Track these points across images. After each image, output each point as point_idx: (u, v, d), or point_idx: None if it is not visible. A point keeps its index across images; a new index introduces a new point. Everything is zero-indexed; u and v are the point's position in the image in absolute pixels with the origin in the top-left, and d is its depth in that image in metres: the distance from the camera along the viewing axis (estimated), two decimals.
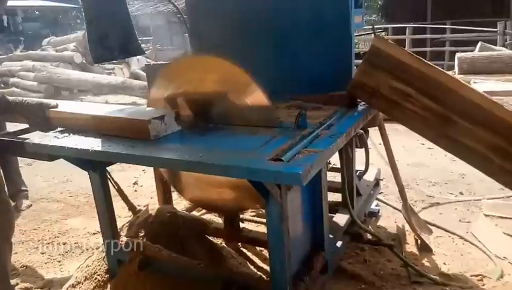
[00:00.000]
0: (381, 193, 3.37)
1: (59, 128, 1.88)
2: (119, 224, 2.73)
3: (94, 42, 1.96)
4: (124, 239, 2.02)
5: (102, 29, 1.96)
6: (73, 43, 11.32)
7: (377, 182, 2.94)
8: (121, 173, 3.98)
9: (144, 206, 3.48)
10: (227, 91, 1.70)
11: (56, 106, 1.91)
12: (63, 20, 25.82)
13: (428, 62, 1.73)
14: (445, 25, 10.95)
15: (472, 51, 8.24)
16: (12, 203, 3.61)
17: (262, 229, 2.57)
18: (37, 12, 27.40)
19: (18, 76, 10.74)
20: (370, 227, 2.84)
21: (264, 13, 2.30)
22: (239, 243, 2.49)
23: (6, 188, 2.13)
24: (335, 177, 2.61)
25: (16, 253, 2.85)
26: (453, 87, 1.67)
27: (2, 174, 2.14)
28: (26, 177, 4.31)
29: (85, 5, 1.93)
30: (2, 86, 10.95)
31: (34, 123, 1.88)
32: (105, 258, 2.07)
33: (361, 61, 1.87)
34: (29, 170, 4.49)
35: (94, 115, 1.78)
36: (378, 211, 2.99)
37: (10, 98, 1.88)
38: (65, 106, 1.97)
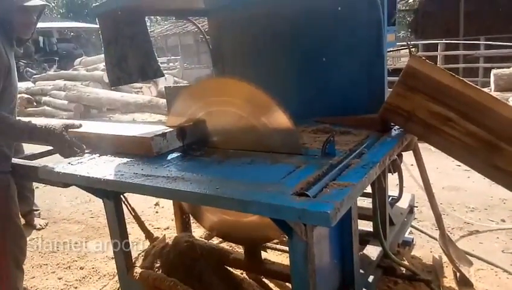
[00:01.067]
0: (415, 219, 3.16)
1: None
2: (138, 249, 2.64)
3: (112, 65, 1.89)
4: (138, 270, 1.91)
5: (121, 52, 1.89)
6: (103, 63, 11.60)
7: (411, 209, 2.74)
8: None
9: (164, 230, 3.42)
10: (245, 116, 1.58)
11: (80, 126, 1.88)
12: (96, 40, 26.78)
13: (471, 83, 1.56)
14: (479, 40, 10.57)
15: (509, 67, 7.87)
16: (24, 222, 3.61)
17: (286, 258, 2.42)
18: (71, 34, 28.60)
19: (50, 95, 11.07)
20: (404, 258, 2.64)
21: (290, 33, 2.21)
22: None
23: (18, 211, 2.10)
24: (364, 200, 2.45)
25: (34, 277, 2.80)
26: (500, 112, 1.49)
27: (16, 194, 2.10)
28: (50, 195, 4.34)
29: (103, 27, 1.87)
30: (35, 104, 11.31)
31: (58, 149, 1.82)
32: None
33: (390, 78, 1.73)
34: (54, 188, 4.50)
35: (101, 133, 1.82)
36: (412, 240, 2.80)
37: (35, 123, 1.82)
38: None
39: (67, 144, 1.76)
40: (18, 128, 1.78)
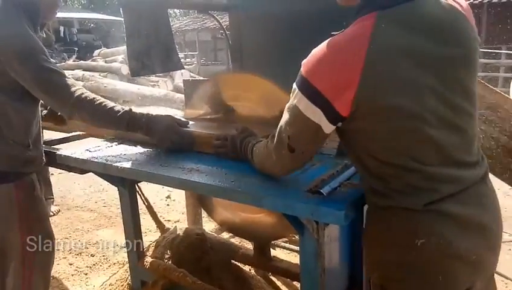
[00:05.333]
0: None
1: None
2: (148, 239, 2.67)
3: (133, 55, 1.92)
4: (149, 259, 1.93)
5: (143, 43, 1.92)
6: (122, 55, 11.74)
7: None
8: (155, 186, 3.94)
9: (174, 223, 3.45)
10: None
11: (188, 124, 1.75)
12: (115, 33, 27.05)
13: (492, 87, 1.54)
14: (500, 49, 10.40)
15: None
16: None
17: (294, 257, 2.41)
18: (91, 25, 28.96)
19: None
20: None
21: (312, 30, 2.19)
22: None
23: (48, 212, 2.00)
24: None
25: None
26: None
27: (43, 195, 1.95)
28: (64, 183, 4.40)
29: (126, 19, 1.89)
30: None
31: (161, 140, 1.65)
32: (129, 279, 1.99)
33: None
34: (69, 175, 4.55)
35: (195, 131, 1.68)
36: None
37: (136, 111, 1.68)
38: None
39: (175, 135, 1.62)
40: (117, 116, 1.60)
